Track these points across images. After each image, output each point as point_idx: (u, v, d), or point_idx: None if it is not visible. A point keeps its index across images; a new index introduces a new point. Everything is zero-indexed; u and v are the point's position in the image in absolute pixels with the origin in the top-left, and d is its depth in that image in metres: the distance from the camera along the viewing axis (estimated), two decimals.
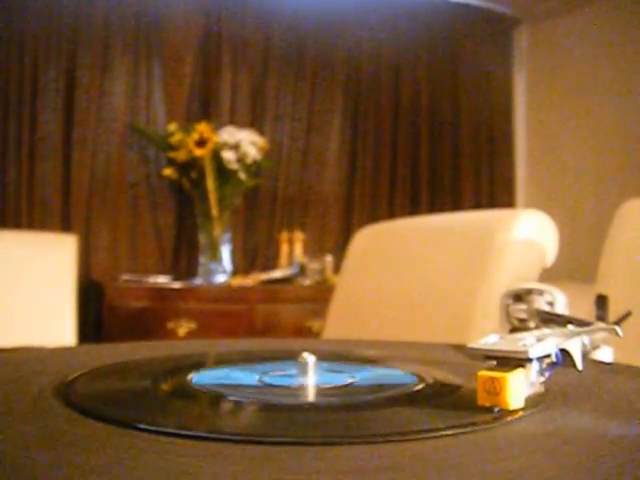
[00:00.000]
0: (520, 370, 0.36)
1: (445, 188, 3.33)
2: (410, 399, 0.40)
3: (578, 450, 0.30)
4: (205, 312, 2.40)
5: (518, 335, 0.40)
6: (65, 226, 2.55)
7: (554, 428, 0.34)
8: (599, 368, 0.51)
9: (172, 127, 2.57)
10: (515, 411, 0.35)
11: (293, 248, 2.80)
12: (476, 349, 0.37)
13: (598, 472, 0.27)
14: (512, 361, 0.36)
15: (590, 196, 3.15)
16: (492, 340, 0.39)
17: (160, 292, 2.42)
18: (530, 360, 0.36)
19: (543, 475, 0.26)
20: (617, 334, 0.48)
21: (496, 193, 3.45)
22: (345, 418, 0.36)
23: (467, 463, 0.28)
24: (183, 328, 2.33)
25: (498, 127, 3.48)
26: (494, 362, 0.36)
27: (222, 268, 2.57)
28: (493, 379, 0.35)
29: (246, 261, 2.88)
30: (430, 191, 3.29)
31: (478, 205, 3.31)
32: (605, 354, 0.57)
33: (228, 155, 2.48)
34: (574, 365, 0.40)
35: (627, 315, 0.57)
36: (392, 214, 3.10)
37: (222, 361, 0.55)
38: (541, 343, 0.37)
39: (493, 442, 0.31)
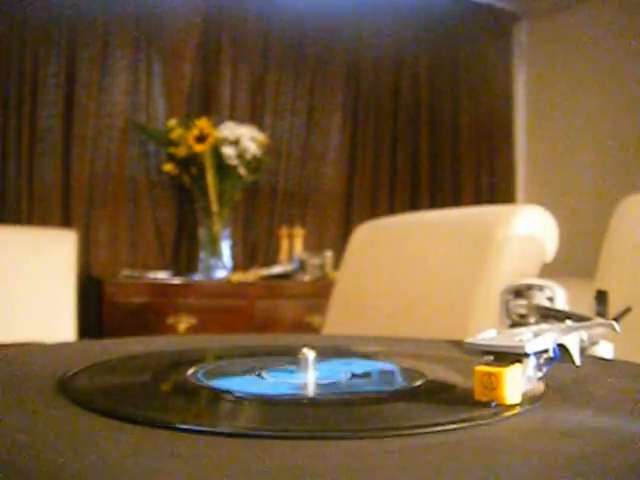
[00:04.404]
0: (517, 365, 0.36)
1: (445, 184, 3.33)
2: (409, 394, 0.40)
3: (575, 445, 0.30)
4: (205, 307, 2.40)
5: (515, 330, 0.40)
6: (65, 222, 2.55)
7: (551, 423, 0.34)
8: (597, 364, 0.51)
9: (172, 123, 2.57)
10: (512, 406, 0.35)
11: (293, 244, 2.80)
12: (474, 344, 0.38)
13: (595, 467, 0.27)
14: (509, 356, 0.36)
15: (590, 191, 3.15)
16: (490, 335, 0.39)
17: (160, 287, 2.42)
18: (527, 355, 0.37)
19: (539, 470, 0.27)
20: (615, 330, 0.48)
21: (496, 189, 3.45)
22: (344, 413, 0.36)
23: (465, 457, 0.28)
24: (183, 323, 2.33)
25: (498, 123, 3.48)
26: (492, 357, 0.37)
27: (222, 264, 2.57)
28: (490, 374, 0.35)
29: (246, 257, 2.88)
30: (430, 187, 3.29)
31: (478, 201, 3.31)
32: (605, 350, 0.57)
33: (228, 151, 2.48)
34: (572, 361, 0.40)
35: (627, 311, 0.57)
36: (392, 209, 3.10)
37: (222, 356, 0.55)
38: (538, 338, 0.38)
39: (490, 437, 0.31)
